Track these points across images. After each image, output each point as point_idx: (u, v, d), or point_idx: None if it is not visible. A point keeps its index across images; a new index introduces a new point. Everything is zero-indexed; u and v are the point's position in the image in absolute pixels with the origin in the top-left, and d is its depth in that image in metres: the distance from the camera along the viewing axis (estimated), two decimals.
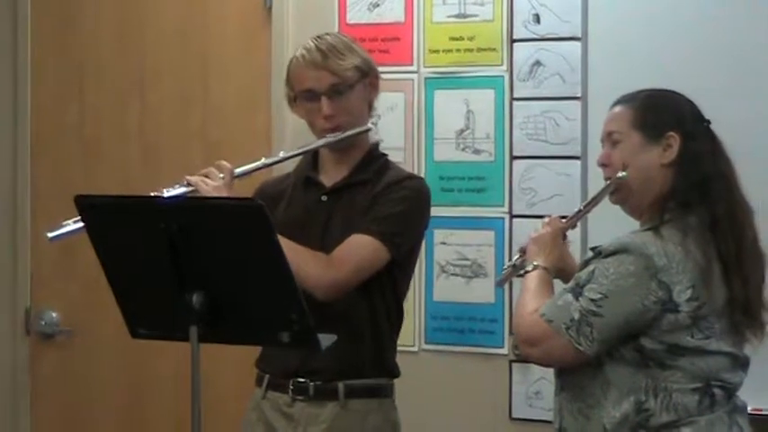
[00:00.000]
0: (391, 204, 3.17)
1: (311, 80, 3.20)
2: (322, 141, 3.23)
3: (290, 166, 3.42)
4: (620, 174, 2.87)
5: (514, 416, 4.06)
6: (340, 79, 3.19)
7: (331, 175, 3.28)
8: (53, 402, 4.59)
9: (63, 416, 4.59)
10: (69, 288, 4.54)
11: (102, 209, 2.77)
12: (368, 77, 3.27)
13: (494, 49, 4.07)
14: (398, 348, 3.94)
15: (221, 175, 3.11)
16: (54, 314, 4.58)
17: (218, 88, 4.41)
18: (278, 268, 2.59)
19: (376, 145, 3.37)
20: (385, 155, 3.36)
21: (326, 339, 2.68)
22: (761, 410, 3.57)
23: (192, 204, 2.82)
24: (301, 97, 3.24)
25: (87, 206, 2.75)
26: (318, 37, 3.28)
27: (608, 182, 2.91)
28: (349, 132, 3.21)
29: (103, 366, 4.53)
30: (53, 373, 4.59)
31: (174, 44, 4.48)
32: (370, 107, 3.32)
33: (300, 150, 3.31)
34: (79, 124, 4.56)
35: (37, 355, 4.59)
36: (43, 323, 4.58)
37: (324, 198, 3.26)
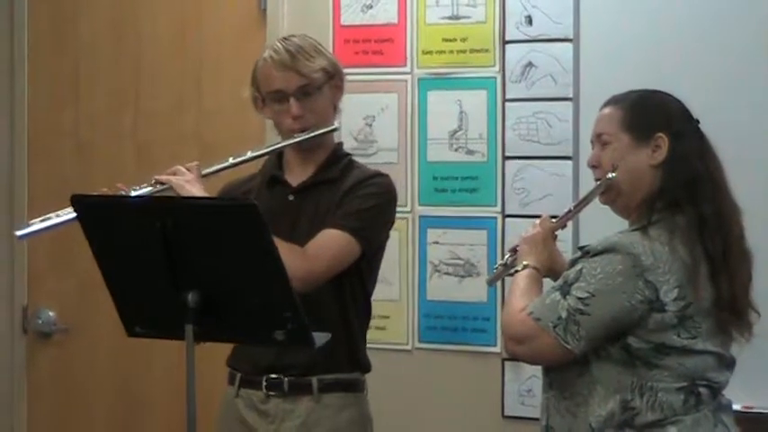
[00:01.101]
0: (361, 200, 3.21)
1: (280, 81, 3.22)
2: (290, 140, 3.25)
3: (254, 168, 3.42)
4: (610, 175, 2.87)
5: (507, 414, 4.06)
6: (308, 81, 3.22)
7: (297, 175, 3.31)
8: (50, 400, 4.60)
9: (60, 413, 4.60)
10: (66, 287, 4.55)
11: (97, 208, 2.78)
12: (334, 79, 3.29)
13: (486, 51, 4.08)
14: (392, 347, 3.98)
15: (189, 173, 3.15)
16: (51, 313, 4.59)
17: (213, 90, 4.41)
18: (271, 267, 2.60)
19: (340, 145, 3.39)
20: (349, 154, 3.40)
21: (321, 338, 2.69)
22: (751, 408, 3.59)
23: (186, 204, 2.83)
24: (269, 98, 3.27)
25: (83, 205, 2.76)
26: (285, 38, 3.31)
27: (598, 182, 2.92)
28: (317, 131, 3.24)
29: (100, 364, 4.55)
30: (50, 371, 4.60)
31: (169, 46, 4.49)
32: (335, 108, 3.34)
33: (268, 149, 3.33)
34: (75, 126, 4.57)
35: (34, 354, 4.60)
36: (40, 322, 4.59)
37: (291, 197, 3.28)
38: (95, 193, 2.96)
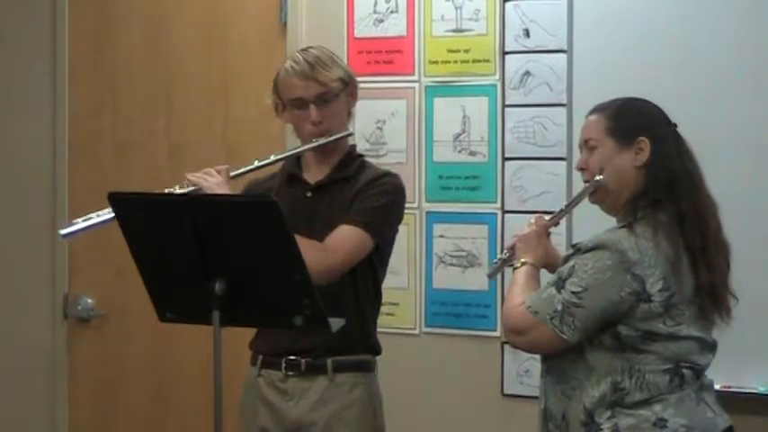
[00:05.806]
0: (373, 198, 3.21)
1: (300, 89, 3.23)
2: (310, 145, 3.26)
3: (275, 168, 3.42)
4: (598, 177, 2.88)
5: (506, 392, 4.07)
6: (326, 89, 3.22)
7: (314, 174, 3.31)
8: (89, 381, 4.61)
9: (98, 393, 4.61)
10: (103, 276, 4.55)
11: (133, 204, 2.79)
12: (349, 87, 3.30)
13: (487, 61, 4.08)
14: (401, 331, 3.99)
15: (219, 175, 3.16)
16: (89, 300, 4.60)
17: (238, 97, 4.42)
18: (291, 258, 2.61)
19: (353, 147, 3.40)
20: (362, 155, 3.40)
21: (336, 323, 2.70)
22: (729, 387, 3.60)
23: (214, 201, 2.84)
24: (290, 105, 3.27)
25: (120, 202, 2.77)
26: (304, 50, 3.32)
27: (587, 184, 2.92)
28: (334, 136, 3.25)
29: (135, 347, 4.56)
30: (89, 354, 4.61)
31: (198, 56, 4.49)
32: (350, 113, 3.35)
33: (290, 153, 3.35)
34: (112, 129, 4.57)
35: (74, 338, 4.61)
36: (80, 308, 4.59)
37: (308, 194, 3.29)
38: (131, 191, 2.97)
